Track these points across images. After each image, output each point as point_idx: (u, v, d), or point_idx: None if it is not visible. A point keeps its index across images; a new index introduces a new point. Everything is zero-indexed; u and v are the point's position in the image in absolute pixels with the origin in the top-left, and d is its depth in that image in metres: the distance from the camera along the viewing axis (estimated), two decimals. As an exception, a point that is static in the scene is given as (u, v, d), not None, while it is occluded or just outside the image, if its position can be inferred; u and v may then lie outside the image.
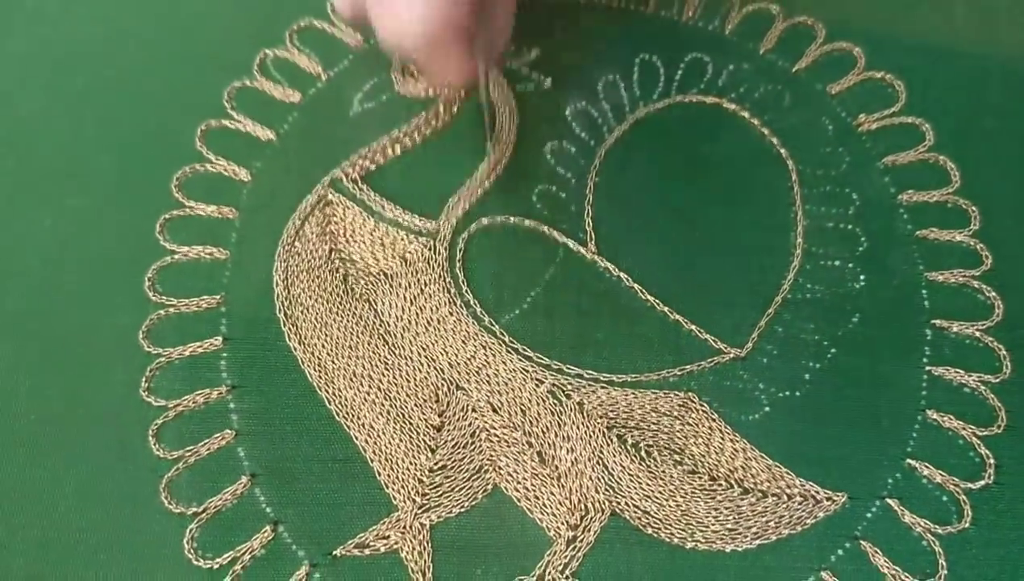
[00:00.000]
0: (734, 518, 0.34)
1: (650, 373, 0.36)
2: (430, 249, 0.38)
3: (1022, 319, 0.38)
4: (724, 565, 0.34)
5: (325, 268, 0.38)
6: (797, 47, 0.43)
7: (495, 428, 0.35)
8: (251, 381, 0.36)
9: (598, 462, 0.35)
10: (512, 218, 0.39)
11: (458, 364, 0.36)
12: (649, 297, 0.38)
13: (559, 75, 0.42)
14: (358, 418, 0.35)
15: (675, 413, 0.36)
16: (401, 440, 0.35)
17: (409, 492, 0.34)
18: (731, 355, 0.37)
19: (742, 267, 0.39)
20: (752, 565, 0.34)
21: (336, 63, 0.42)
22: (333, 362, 0.36)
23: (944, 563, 0.34)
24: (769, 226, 0.39)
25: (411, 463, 0.35)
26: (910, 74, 0.42)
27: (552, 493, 0.34)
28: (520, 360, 0.36)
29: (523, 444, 0.35)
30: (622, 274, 0.38)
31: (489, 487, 0.35)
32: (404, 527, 0.34)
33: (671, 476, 0.35)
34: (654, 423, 0.36)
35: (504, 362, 0.36)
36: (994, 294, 0.38)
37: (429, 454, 0.35)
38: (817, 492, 0.35)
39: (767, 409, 0.36)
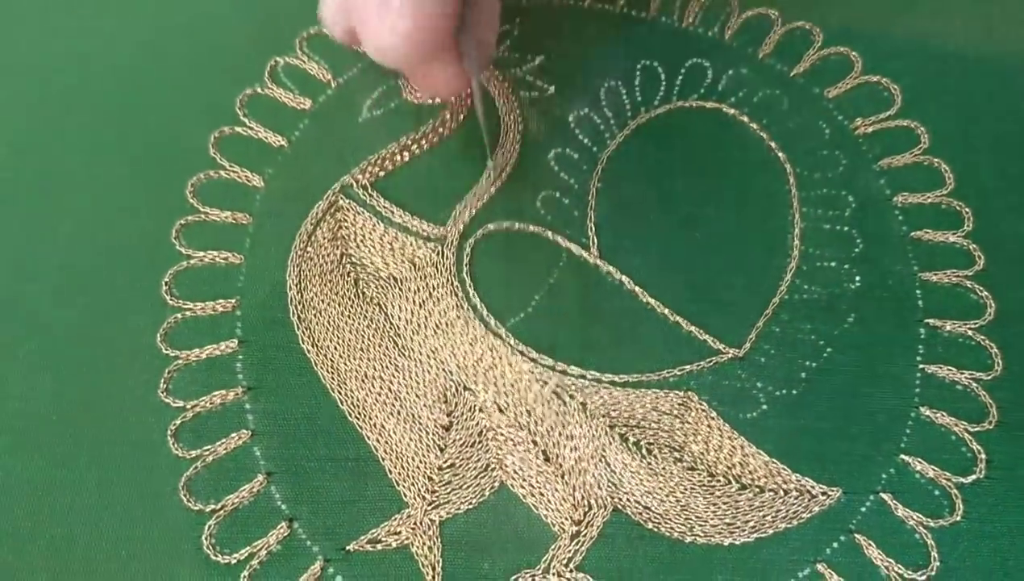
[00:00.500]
0: (732, 513, 0.35)
1: (651, 373, 0.37)
2: (438, 254, 0.39)
3: (1014, 318, 0.38)
4: (723, 558, 0.35)
5: (337, 272, 0.39)
6: (795, 51, 0.44)
7: (501, 428, 0.36)
8: (266, 382, 0.37)
9: (601, 460, 0.36)
10: (517, 224, 0.40)
11: (466, 366, 0.37)
12: (650, 299, 0.38)
13: (562, 82, 0.43)
14: (370, 418, 0.36)
15: (675, 412, 0.37)
16: (411, 439, 0.36)
17: (419, 489, 0.35)
18: (729, 355, 0.38)
19: (741, 269, 0.39)
20: (750, 558, 0.35)
21: (345, 70, 0.43)
22: (345, 364, 0.37)
23: (936, 555, 0.35)
24: (767, 229, 0.40)
25: (421, 461, 0.36)
26: (906, 78, 0.43)
27: (556, 490, 0.35)
28: (525, 362, 0.37)
29: (528, 443, 0.36)
30: (624, 277, 0.39)
31: (496, 484, 0.36)
32: (415, 523, 0.35)
33: (671, 473, 0.36)
34: (655, 422, 0.36)
35: (510, 364, 0.37)
36: (986, 293, 0.39)
37: (438, 453, 0.36)
38: (813, 487, 0.36)
39: (764, 407, 0.37)
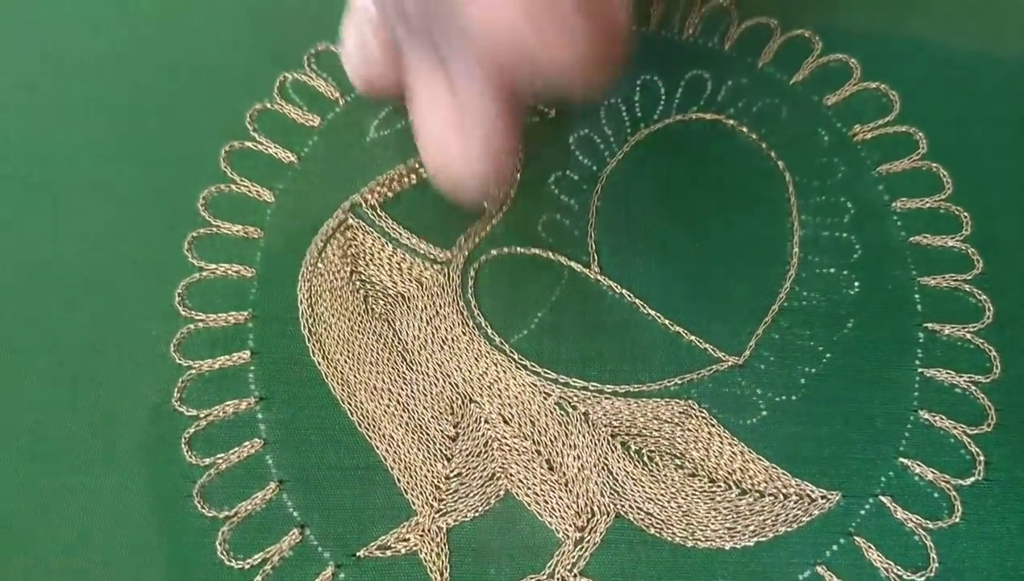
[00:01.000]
0: (733, 517, 0.36)
1: (652, 383, 0.38)
2: (444, 276, 0.40)
3: (1012, 321, 0.39)
4: (724, 562, 0.35)
5: (347, 289, 0.40)
6: (795, 60, 0.44)
7: (506, 438, 0.37)
8: (278, 393, 0.38)
9: (603, 468, 0.36)
10: (519, 248, 0.41)
11: (471, 379, 0.38)
12: (650, 311, 0.39)
13: (563, 105, 0.43)
14: (379, 429, 0.37)
15: (676, 420, 0.37)
16: (419, 449, 0.37)
17: (427, 498, 0.36)
18: (729, 363, 0.38)
19: (740, 277, 0.40)
20: (751, 561, 0.35)
21: (352, 89, 0.43)
22: (355, 376, 0.38)
23: (935, 556, 0.35)
24: (766, 237, 0.41)
25: (428, 471, 0.37)
26: (904, 84, 0.43)
27: (560, 498, 0.36)
28: (529, 375, 0.38)
29: (532, 452, 0.37)
30: (624, 291, 0.39)
31: (501, 493, 0.36)
32: (423, 530, 0.35)
33: (673, 479, 0.36)
34: (656, 430, 0.37)
35: (514, 377, 0.38)
36: (985, 297, 0.39)
37: (445, 462, 0.37)
38: (813, 491, 0.36)
39: (764, 413, 0.37)
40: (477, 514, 0.36)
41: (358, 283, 0.40)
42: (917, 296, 0.39)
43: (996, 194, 0.41)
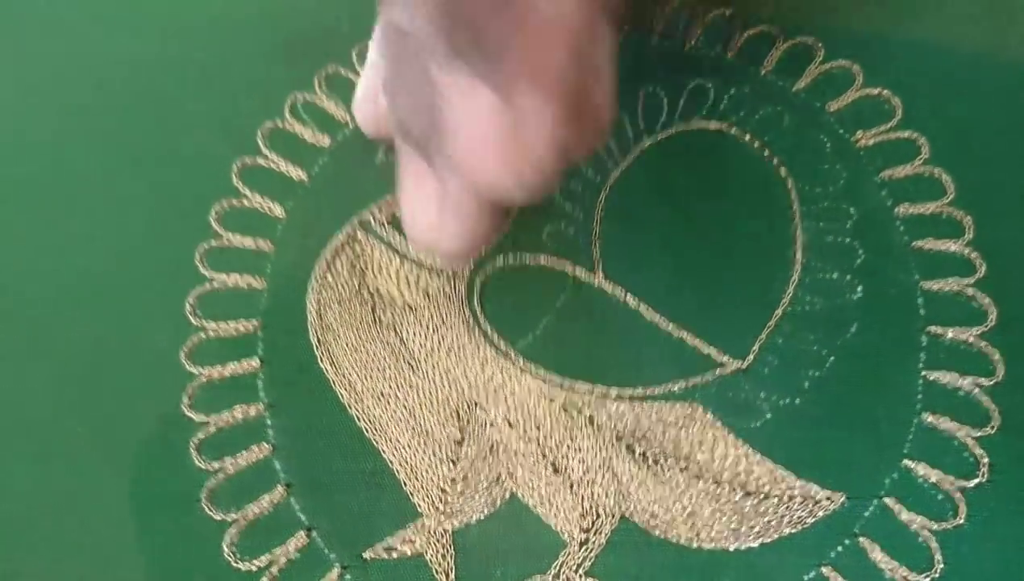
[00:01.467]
0: (738, 519, 0.36)
1: (656, 387, 0.38)
2: (450, 286, 0.40)
3: (1015, 324, 0.39)
4: (729, 563, 0.35)
5: (355, 300, 0.40)
6: (797, 67, 0.44)
7: (512, 442, 0.37)
8: (286, 400, 0.38)
9: (608, 470, 0.37)
10: (524, 257, 0.41)
11: (477, 385, 0.38)
12: (654, 316, 0.39)
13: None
14: (385, 434, 0.38)
15: (681, 423, 0.38)
16: (425, 453, 0.37)
17: (433, 500, 0.36)
18: (733, 367, 0.39)
19: (744, 283, 0.40)
20: (756, 563, 0.35)
21: None
22: (362, 383, 0.39)
23: (940, 557, 0.35)
24: (769, 243, 0.41)
25: (434, 474, 0.37)
26: (906, 89, 0.43)
27: (565, 500, 0.36)
28: (534, 380, 0.38)
29: (538, 456, 0.37)
30: (628, 296, 0.40)
31: (507, 495, 0.37)
32: (429, 532, 0.36)
33: (677, 482, 0.37)
34: (661, 433, 0.37)
35: (519, 382, 0.38)
36: (988, 300, 0.39)
37: (451, 466, 0.37)
38: (817, 493, 0.36)
39: (768, 416, 0.38)
40: (482, 516, 0.36)
41: (366, 294, 0.40)
42: (920, 300, 0.40)
43: (998, 198, 0.41)
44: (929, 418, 0.37)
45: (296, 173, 0.43)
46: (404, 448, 0.37)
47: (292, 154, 0.44)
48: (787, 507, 0.36)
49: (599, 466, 0.37)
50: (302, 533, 0.36)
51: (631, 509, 0.36)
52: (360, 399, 0.38)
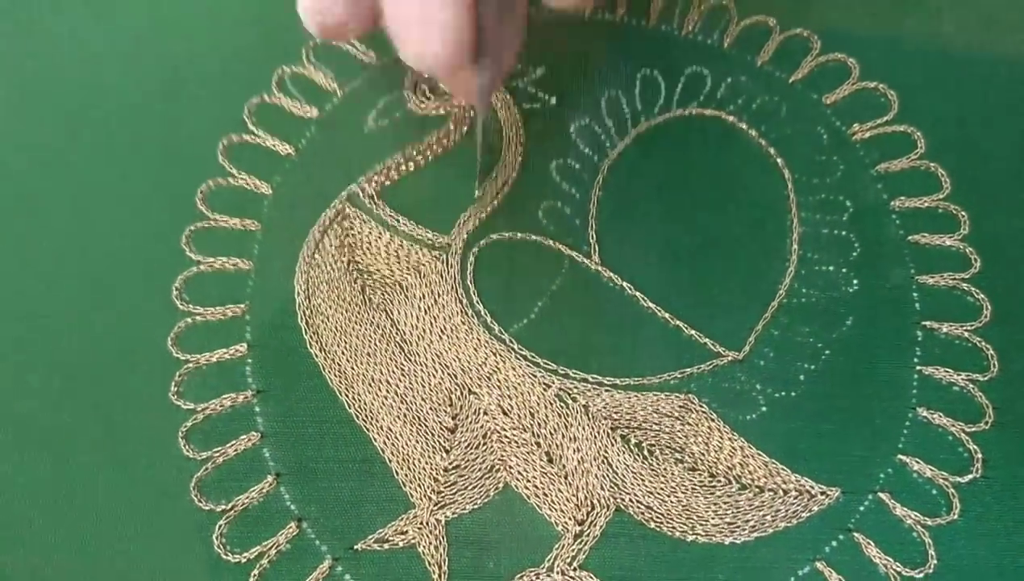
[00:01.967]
0: (733, 512, 0.36)
1: (652, 376, 0.38)
2: (442, 262, 0.40)
3: (1009, 319, 0.39)
4: (723, 556, 0.35)
5: (344, 279, 0.40)
6: (794, 58, 0.44)
7: (505, 430, 0.37)
8: (275, 386, 0.38)
9: (603, 461, 0.36)
10: (519, 234, 0.40)
11: (470, 370, 0.38)
12: (650, 304, 0.39)
13: (563, 93, 0.43)
14: (377, 421, 0.37)
15: (676, 414, 0.37)
16: (417, 441, 0.37)
17: (425, 490, 0.36)
18: (729, 358, 0.38)
19: (740, 273, 0.40)
20: (750, 556, 0.35)
21: (350, 80, 0.43)
22: (353, 368, 0.38)
23: (933, 553, 0.35)
24: (766, 234, 0.41)
25: (427, 463, 0.36)
26: (903, 84, 0.43)
27: (560, 490, 0.36)
28: (528, 366, 0.38)
29: (532, 445, 0.37)
30: (624, 283, 0.39)
31: (500, 485, 0.36)
32: (421, 523, 0.35)
33: (672, 473, 0.36)
34: (656, 424, 0.37)
35: (513, 368, 0.38)
36: (982, 296, 0.39)
37: (444, 454, 0.37)
38: (812, 487, 0.36)
39: (764, 409, 0.37)
40: (476, 507, 0.36)
41: (355, 273, 0.40)
42: (915, 294, 0.40)
43: (994, 194, 0.41)
44: (923, 413, 0.37)
45: (283, 148, 0.42)
46: (396, 436, 0.37)
47: (279, 128, 0.43)
48: (782, 501, 0.36)
49: (594, 456, 0.37)
50: (292, 524, 0.35)
51: (626, 500, 0.36)
52: (351, 385, 0.38)
